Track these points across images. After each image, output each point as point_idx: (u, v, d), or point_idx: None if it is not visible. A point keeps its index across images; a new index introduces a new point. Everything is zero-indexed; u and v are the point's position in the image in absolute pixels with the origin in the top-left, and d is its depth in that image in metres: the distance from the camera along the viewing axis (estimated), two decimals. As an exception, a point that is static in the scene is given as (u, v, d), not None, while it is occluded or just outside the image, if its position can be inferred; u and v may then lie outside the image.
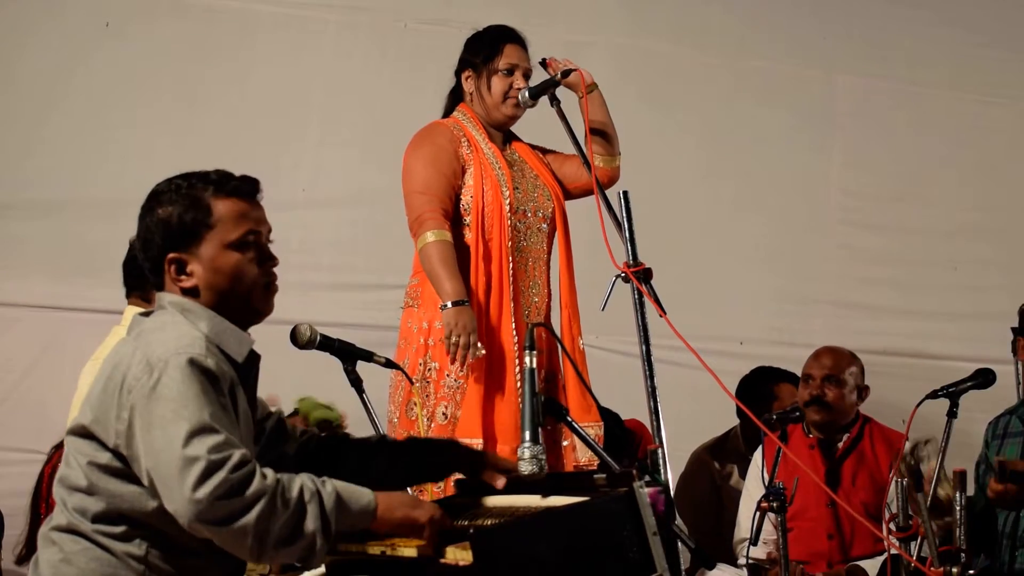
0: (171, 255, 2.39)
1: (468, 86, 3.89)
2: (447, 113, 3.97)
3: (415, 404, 3.65)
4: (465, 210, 3.76)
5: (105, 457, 2.28)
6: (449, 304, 3.59)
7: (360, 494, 2.26)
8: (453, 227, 3.72)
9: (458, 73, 3.94)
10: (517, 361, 3.67)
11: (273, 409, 2.63)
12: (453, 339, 3.58)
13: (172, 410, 2.17)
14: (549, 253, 3.90)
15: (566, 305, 3.85)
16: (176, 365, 2.21)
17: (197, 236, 2.38)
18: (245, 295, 2.39)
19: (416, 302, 3.79)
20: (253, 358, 2.44)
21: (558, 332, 3.73)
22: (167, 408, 2.18)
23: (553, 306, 3.92)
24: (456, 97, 3.98)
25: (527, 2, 5.51)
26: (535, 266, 3.83)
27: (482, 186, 3.75)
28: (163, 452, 2.15)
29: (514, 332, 3.71)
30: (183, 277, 2.39)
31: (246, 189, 2.43)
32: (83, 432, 2.31)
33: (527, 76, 3.88)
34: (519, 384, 3.65)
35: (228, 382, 2.29)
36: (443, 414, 3.67)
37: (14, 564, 4.26)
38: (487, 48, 3.86)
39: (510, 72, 3.84)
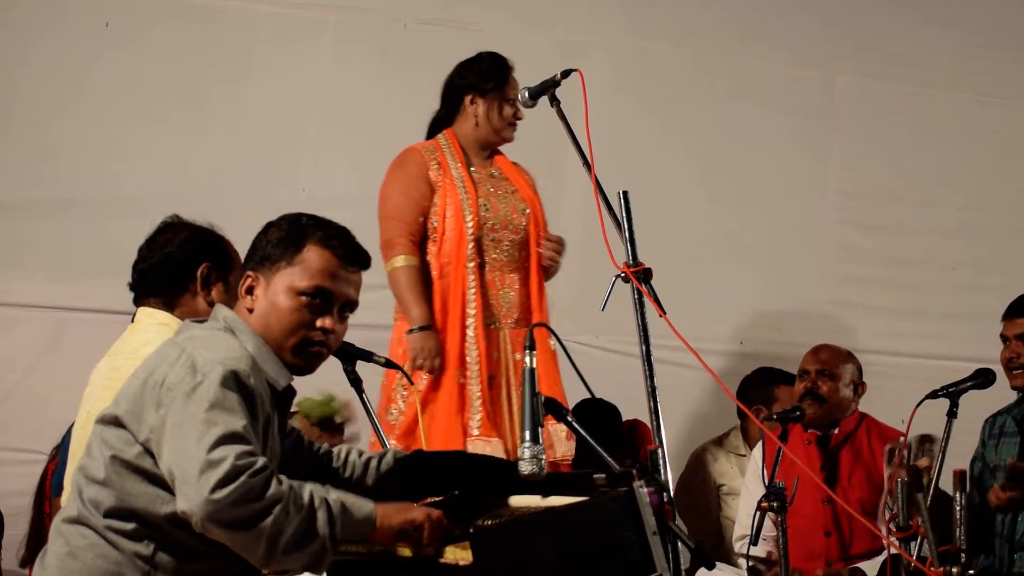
0: (250, 273, 2.45)
1: (473, 109, 4.15)
2: (430, 135, 4.23)
3: (394, 410, 3.99)
4: (433, 228, 4.07)
5: (132, 452, 2.29)
6: (416, 329, 3.96)
7: (361, 503, 2.29)
8: (423, 243, 4.08)
9: (459, 97, 4.18)
10: (476, 365, 3.97)
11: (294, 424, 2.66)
12: (418, 362, 3.95)
13: (207, 413, 2.20)
14: (527, 260, 4.15)
15: (536, 308, 4.12)
16: (220, 373, 2.24)
17: (276, 266, 2.43)
18: (283, 341, 2.42)
19: (399, 315, 4.12)
20: (289, 391, 2.48)
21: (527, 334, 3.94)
22: (203, 411, 2.20)
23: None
24: (441, 122, 4.24)
25: (526, 3, 5.51)
26: (506, 275, 4.11)
27: (445, 211, 4.06)
28: (190, 451, 2.17)
29: (474, 340, 3.99)
30: (249, 297, 2.45)
31: (345, 252, 2.46)
32: (115, 422, 2.32)
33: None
34: (463, 382, 3.97)
35: (264, 405, 2.32)
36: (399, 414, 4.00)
37: (17, 566, 4.25)
38: (497, 77, 4.13)
39: (514, 102, 4.09)
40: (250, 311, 2.44)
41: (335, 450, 2.69)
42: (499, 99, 4.12)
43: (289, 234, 2.46)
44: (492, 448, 3.84)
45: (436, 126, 4.25)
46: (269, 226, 2.50)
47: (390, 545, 2.33)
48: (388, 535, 2.30)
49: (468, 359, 3.98)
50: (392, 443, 3.94)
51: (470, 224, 4.01)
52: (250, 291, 2.46)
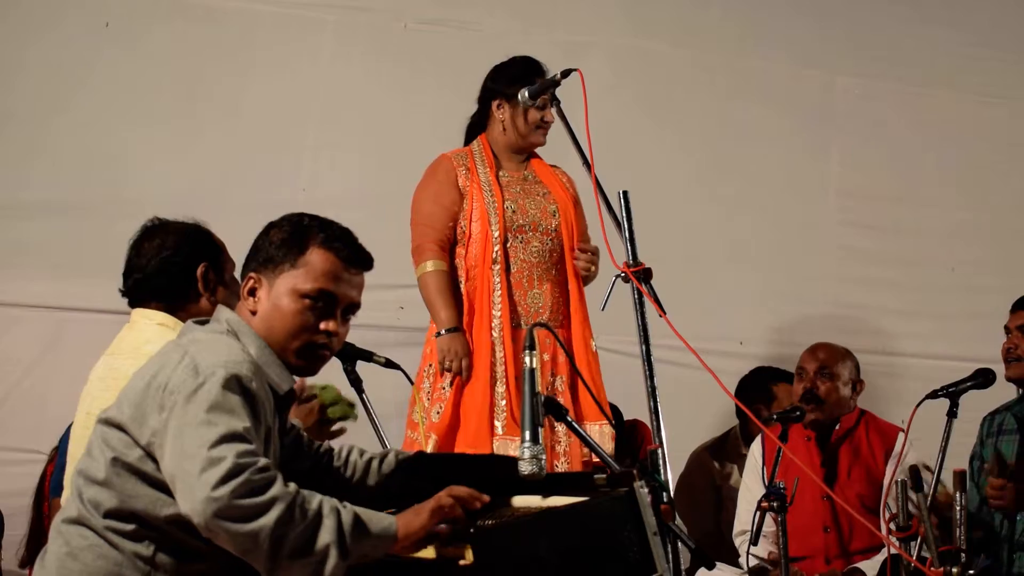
0: (252, 274, 2.45)
1: (500, 114, 4.15)
2: (468, 140, 4.25)
3: (417, 409, 4.00)
4: (461, 233, 4.10)
5: (134, 455, 2.29)
6: (443, 332, 3.98)
7: (380, 517, 2.25)
8: (452, 247, 4.09)
9: (487, 101, 4.18)
10: (502, 366, 3.97)
11: (295, 422, 2.66)
12: (447, 364, 3.98)
13: (208, 414, 2.19)
14: (560, 261, 4.12)
15: (575, 311, 4.10)
16: (222, 376, 2.24)
17: (279, 268, 2.43)
18: (286, 344, 2.43)
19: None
20: (290, 394, 2.47)
21: (570, 336, 4.06)
22: (205, 413, 2.19)
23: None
24: (476, 126, 4.24)
25: (527, 3, 5.52)
26: (535, 277, 4.08)
27: (472, 214, 4.07)
28: (190, 451, 2.17)
29: (500, 341, 3.99)
30: (251, 299, 2.45)
31: (348, 255, 2.46)
32: (117, 425, 2.32)
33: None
34: (492, 383, 3.97)
35: (266, 409, 2.32)
36: (436, 413, 3.99)
37: (17, 566, 4.25)
38: (523, 81, 4.00)
39: (543, 106, 4.06)
40: (253, 313, 2.44)
41: (336, 449, 2.69)
42: (524, 104, 4.03)
43: (292, 236, 2.45)
44: (516, 447, 3.84)
45: (472, 131, 4.25)
46: (271, 226, 2.50)
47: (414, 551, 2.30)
48: (412, 546, 2.27)
49: (495, 360, 3.98)
50: (410, 435, 4.00)
51: (495, 227, 4.02)
52: (252, 292, 2.45)
